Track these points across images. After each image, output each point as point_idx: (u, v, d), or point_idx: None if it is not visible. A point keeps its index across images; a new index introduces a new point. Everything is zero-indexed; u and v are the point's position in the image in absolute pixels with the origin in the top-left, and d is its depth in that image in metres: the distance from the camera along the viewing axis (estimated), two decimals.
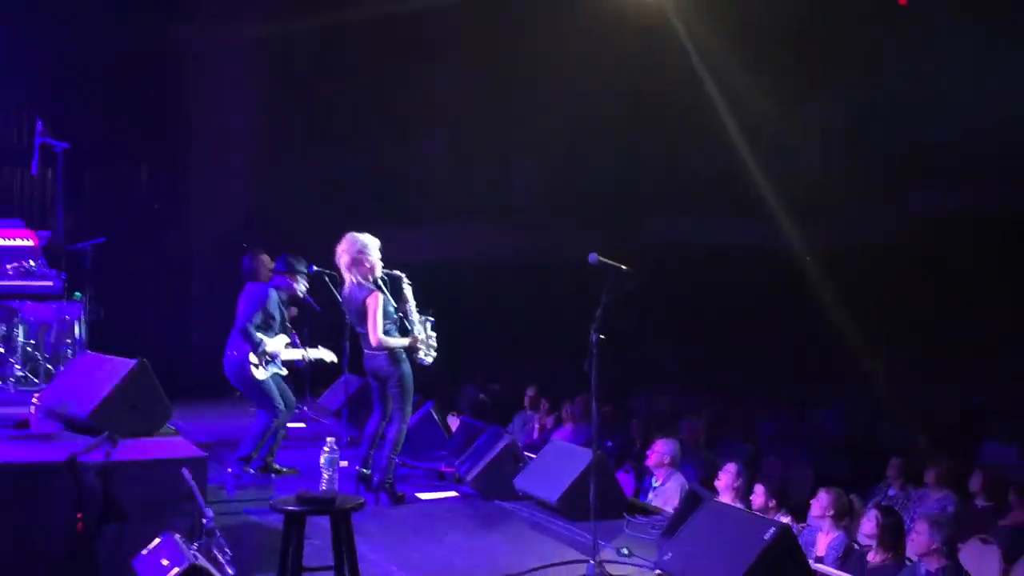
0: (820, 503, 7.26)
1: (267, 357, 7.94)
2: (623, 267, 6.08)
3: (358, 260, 7.43)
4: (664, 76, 14.75)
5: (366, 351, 7.58)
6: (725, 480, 7.94)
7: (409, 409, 7.62)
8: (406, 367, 7.51)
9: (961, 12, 14.75)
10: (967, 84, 15.31)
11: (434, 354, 7.72)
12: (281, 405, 8.07)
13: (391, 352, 7.44)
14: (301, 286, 8.27)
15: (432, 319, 7.73)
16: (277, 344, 8.04)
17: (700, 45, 14.42)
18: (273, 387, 8.03)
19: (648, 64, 14.70)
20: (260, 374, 7.92)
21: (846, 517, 7.19)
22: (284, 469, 8.20)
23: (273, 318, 8.05)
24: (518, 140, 15.72)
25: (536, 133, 15.59)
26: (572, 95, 15.17)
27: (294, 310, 9.10)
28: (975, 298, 14.58)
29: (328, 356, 8.57)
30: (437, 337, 7.76)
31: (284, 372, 8.18)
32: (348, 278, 7.50)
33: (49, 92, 13.19)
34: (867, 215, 15.71)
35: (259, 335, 7.90)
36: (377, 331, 7.34)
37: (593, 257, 6.07)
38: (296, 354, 8.28)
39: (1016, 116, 14.76)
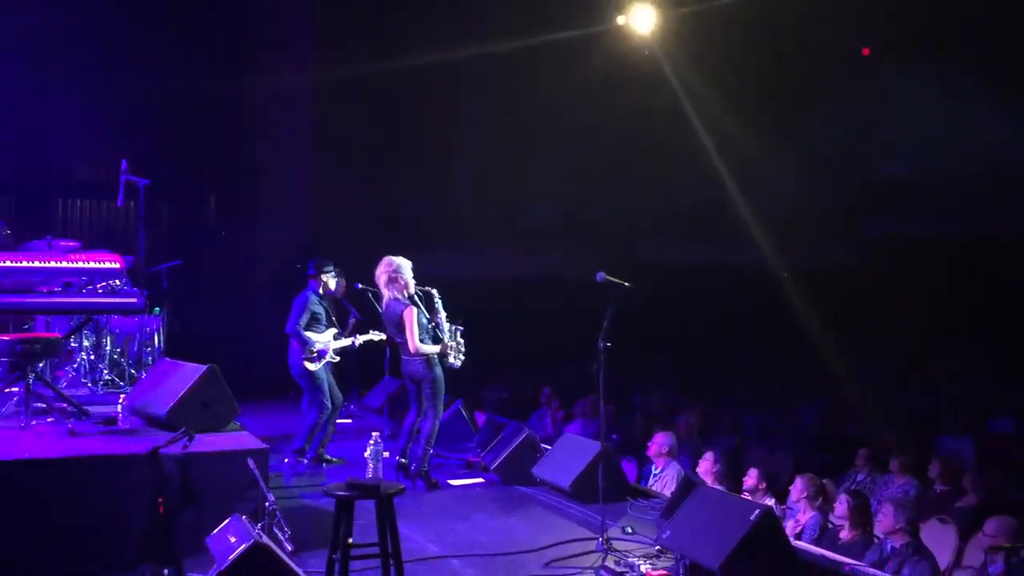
0: (797, 488, 7.23)
1: (317, 353, 7.99)
2: (626, 284, 6.08)
3: (393, 279, 7.50)
4: (659, 119, 14.76)
5: (404, 357, 7.61)
6: (704, 466, 7.93)
7: (441, 407, 7.63)
8: (439, 371, 7.53)
9: (916, 63, 14.75)
10: (919, 126, 15.29)
11: (463, 358, 7.73)
12: (329, 402, 8.09)
13: (426, 358, 7.47)
14: (330, 283, 8.27)
15: (462, 328, 7.73)
16: (325, 337, 8.10)
17: (690, 92, 14.43)
18: (325, 384, 8.08)
19: (646, 109, 14.72)
20: (313, 366, 7.96)
21: (819, 499, 7.15)
22: (334, 459, 8.21)
23: (319, 315, 8.10)
24: (534, 174, 15.75)
25: (549, 168, 15.61)
26: (580, 135, 15.20)
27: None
28: (924, 312, 14.52)
29: (376, 336, 8.52)
30: (465, 344, 7.77)
31: (337, 359, 8.20)
32: (386, 294, 7.55)
33: (132, 135, 13.31)
34: (831, 240, 15.69)
35: (308, 334, 7.96)
36: (415, 340, 7.38)
37: (600, 275, 6.07)
38: (345, 342, 8.31)
39: (961, 155, 14.73)
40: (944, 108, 14.44)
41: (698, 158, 15.04)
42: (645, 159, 15.56)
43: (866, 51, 15.20)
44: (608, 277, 6.04)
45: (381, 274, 7.55)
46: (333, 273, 8.25)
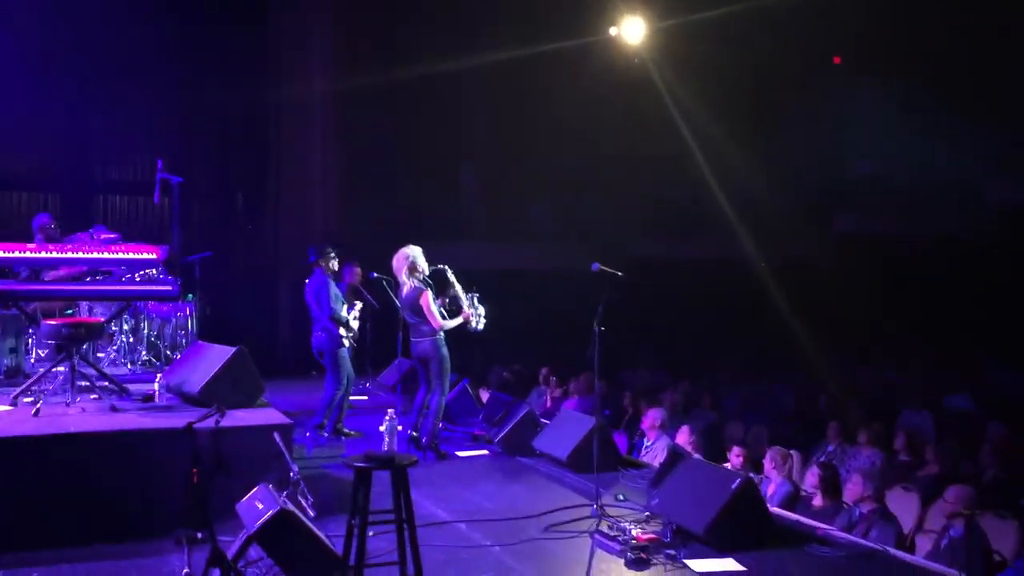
0: (767, 459, 7.20)
1: (351, 328, 8.02)
2: (618, 273, 6.03)
3: (411, 267, 7.43)
4: (647, 123, 14.73)
5: (413, 339, 7.55)
6: (682, 439, 7.91)
7: (447, 385, 7.59)
8: (445, 351, 7.48)
9: (880, 76, 14.75)
10: (884, 131, 15.28)
11: (484, 321, 7.59)
12: (344, 380, 8.05)
13: (434, 340, 7.41)
14: (333, 264, 8.16)
15: (477, 294, 7.64)
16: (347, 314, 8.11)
17: (676, 98, 14.41)
18: (347, 362, 8.05)
19: (635, 114, 14.68)
20: (346, 343, 7.96)
21: (786, 467, 7.13)
22: (352, 432, 8.18)
23: (339, 297, 8.07)
24: (534, 176, 15.71)
25: (549, 172, 15.58)
26: (575, 139, 15.16)
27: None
28: (885, 300, 14.52)
29: (359, 305, 8.52)
30: (476, 332, 7.68)
31: (355, 330, 8.19)
32: (404, 282, 7.47)
33: (167, 138, 13.29)
34: (803, 234, 15.68)
35: (342, 313, 7.95)
36: (436, 319, 7.34)
37: (595, 266, 6.02)
38: (353, 314, 8.28)
39: (916, 162, 14.76)
40: (903, 118, 14.47)
41: (682, 160, 15.01)
42: (634, 161, 15.52)
43: (837, 59, 15.21)
44: (602, 267, 5.99)
45: (399, 265, 7.48)
46: (333, 255, 8.16)
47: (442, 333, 7.44)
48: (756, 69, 14.69)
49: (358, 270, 8.92)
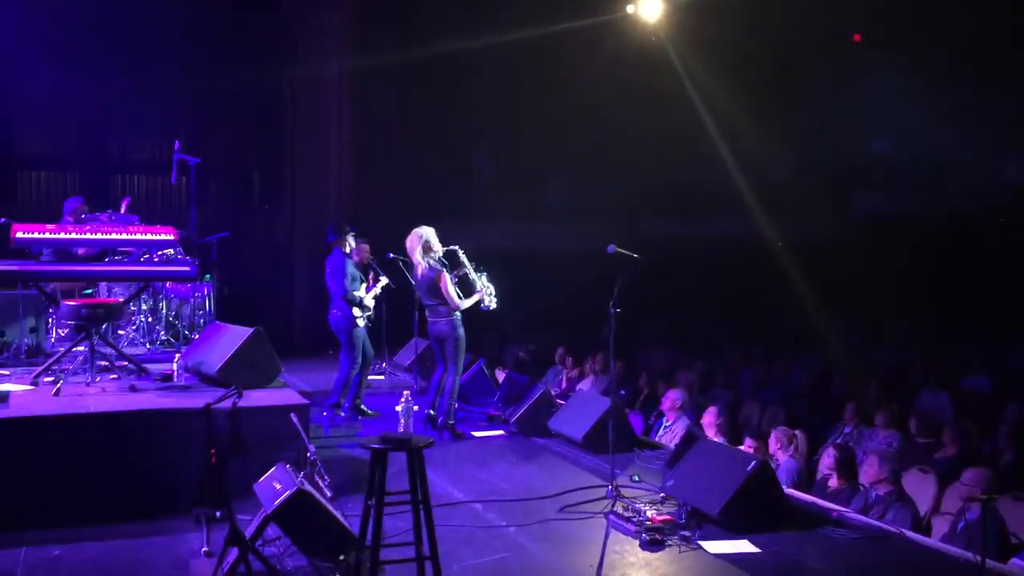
0: (772, 439, 7.18)
1: (366, 308, 8.02)
2: (635, 255, 5.99)
3: (426, 247, 7.44)
4: (664, 102, 14.60)
5: (430, 319, 7.56)
6: (708, 419, 7.85)
7: (461, 365, 7.60)
8: (461, 331, 7.49)
9: (901, 51, 14.54)
10: (902, 109, 15.09)
11: (495, 299, 7.59)
12: (359, 358, 8.07)
13: (450, 320, 7.43)
14: (351, 242, 8.16)
15: (485, 272, 7.64)
16: (362, 295, 8.10)
17: (692, 76, 14.27)
18: (362, 342, 8.06)
19: (651, 92, 14.55)
20: (361, 322, 7.97)
21: (792, 447, 7.10)
22: (369, 412, 8.21)
23: (356, 276, 8.07)
24: (548, 157, 15.64)
25: (562, 151, 15.49)
26: (592, 120, 15.05)
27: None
28: (902, 280, 14.40)
29: (384, 281, 8.63)
30: (488, 309, 7.69)
31: (371, 309, 8.20)
32: (419, 263, 7.47)
33: (184, 119, 13.32)
34: (819, 213, 15.53)
35: (357, 295, 7.95)
36: (454, 300, 7.35)
37: (611, 247, 5.97)
38: (374, 292, 8.31)
39: (937, 137, 14.55)
40: (920, 95, 14.28)
41: (699, 139, 14.88)
42: (650, 140, 15.41)
43: (857, 37, 15.01)
44: (618, 249, 5.95)
45: (414, 246, 7.48)
46: (352, 234, 8.17)
47: (458, 313, 7.44)
48: (774, 47, 14.51)
49: (366, 247, 8.92)
